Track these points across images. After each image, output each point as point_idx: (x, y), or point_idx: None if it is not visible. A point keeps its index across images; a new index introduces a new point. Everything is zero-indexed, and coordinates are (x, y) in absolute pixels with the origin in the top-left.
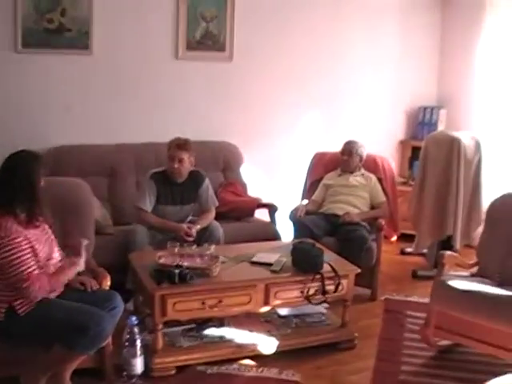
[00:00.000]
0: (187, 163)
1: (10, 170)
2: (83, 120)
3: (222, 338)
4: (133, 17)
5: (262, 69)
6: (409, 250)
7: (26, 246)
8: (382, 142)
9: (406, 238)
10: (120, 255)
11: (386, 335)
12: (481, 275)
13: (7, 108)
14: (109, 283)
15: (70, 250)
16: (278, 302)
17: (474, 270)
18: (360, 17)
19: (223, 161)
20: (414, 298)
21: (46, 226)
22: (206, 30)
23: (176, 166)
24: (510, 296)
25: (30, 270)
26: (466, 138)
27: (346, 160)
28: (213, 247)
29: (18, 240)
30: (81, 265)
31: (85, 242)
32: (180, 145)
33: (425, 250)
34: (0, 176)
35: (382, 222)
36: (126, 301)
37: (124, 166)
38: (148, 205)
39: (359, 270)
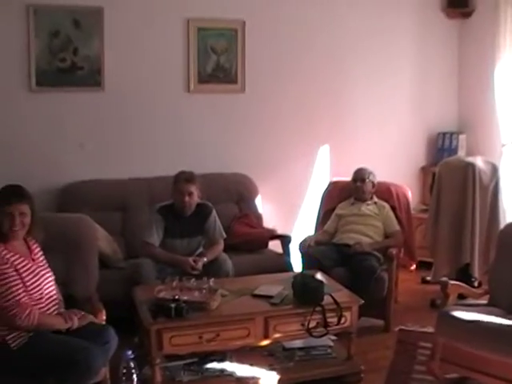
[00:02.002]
0: (195, 196)
1: None
2: (96, 155)
3: (222, 372)
4: (143, 53)
5: (274, 99)
6: (429, 278)
7: (14, 274)
8: (401, 168)
9: (427, 266)
10: (129, 289)
11: (396, 367)
12: (492, 304)
13: (22, 145)
14: (104, 317)
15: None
16: (278, 335)
17: (486, 298)
18: (376, 43)
19: (237, 192)
20: (429, 329)
21: (43, 260)
22: (216, 63)
23: (186, 199)
24: None
25: (17, 297)
26: (481, 162)
27: (359, 187)
28: (211, 281)
29: (5, 266)
30: (73, 326)
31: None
32: (188, 178)
33: (444, 279)
34: None
35: (394, 251)
36: (133, 335)
37: (136, 199)
38: (155, 239)
39: (362, 302)
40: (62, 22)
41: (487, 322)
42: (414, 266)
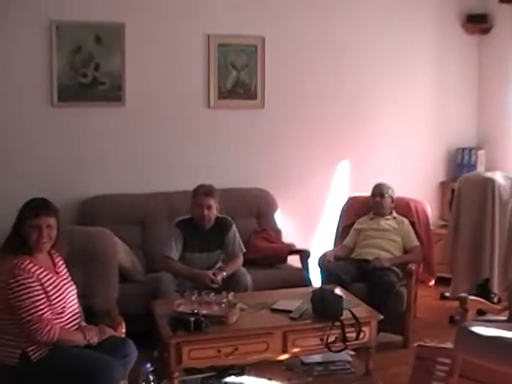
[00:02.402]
0: (214, 209)
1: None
2: (117, 170)
3: None
4: (164, 68)
5: (294, 115)
6: (448, 294)
7: (39, 288)
8: (420, 184)
9: (446, 281)
10: (148, 302)
11: (414, 383)
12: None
13: (43, 160)
14: (124, 330)
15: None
16: (296, 349)
17: (505, 314)
18: (395, 59)
19: (257, 207)
20: (448, 345)
21: (66, 274)
22: (236, 79)
23: (205, 213)
24: None
25: (40, 312)
26: (500, 178)
27: (378, 202)
28: (230, 295)
29: (31, 280)
30: (93, 342)
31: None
32: (207, 192)
33: (464, 294)
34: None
35: (413, 266)
36: (153, 348)
37: (157, 214)
38: (174, 253)
39: (381, 317)
40: (84, 38)
41: (507, 338)
42: (432, 282)
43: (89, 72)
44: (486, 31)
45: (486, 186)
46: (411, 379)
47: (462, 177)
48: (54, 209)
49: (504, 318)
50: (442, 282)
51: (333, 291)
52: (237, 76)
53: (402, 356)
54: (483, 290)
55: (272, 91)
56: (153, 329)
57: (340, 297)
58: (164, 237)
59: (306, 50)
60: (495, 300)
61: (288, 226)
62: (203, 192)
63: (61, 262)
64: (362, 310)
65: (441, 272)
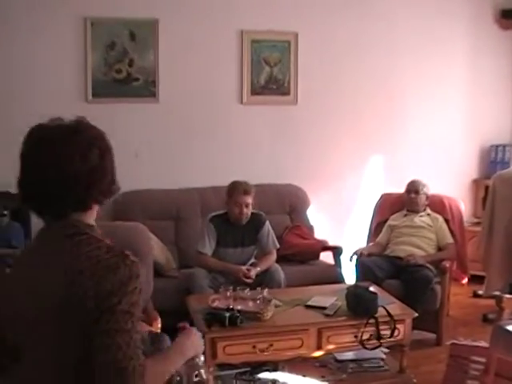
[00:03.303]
0: (251, 206)
1: None
2: (150, 165)
3: (274, 382)
4: (197, 64)
5: (327, 111)
6: (481, 292)
7: None
8: (453, 181)
9: (479, 279)
10: (183, 298)
11: (448, 382)
12: None
13: None
14: (159, 325)
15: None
16: (331, 346)
17: None
18: (429, 55)
19: (289, 204)
20: (482, 343)
21: None
22: (269, 75)
23: (244, 211)
24: None
25: None
26: None
27: (413, 198)
28: (265, 291)
29: None
30: None
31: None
32: (246, 190)
33: (497, 293)
34: None
35: (447, 264)
36: None
37: (190, 209)
38: (208, 248)
39: (416, 314)
40: (118, 34)
41: None
42: (465, 280)
43: (123, 68)
44: None
45: None
46: (445, 377)
47: (496, 174)
48: None
49: None
50: (475, 279)
51: (367, 288)
52: (270, 72)
53: (435, 354)
54: None
55: (305, 87)
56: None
57: (375, 294)
58: (197, 232)
59: (339, 46)
60: None
61: (321, 222)
62: (242, 190)
63: None
64: (396, 308)
65: (474, 270)
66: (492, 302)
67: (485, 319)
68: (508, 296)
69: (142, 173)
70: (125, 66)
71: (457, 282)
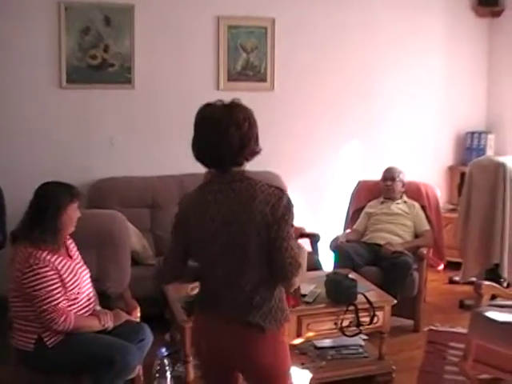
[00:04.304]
0: None
1: (35, 201)
2: (126, 152)
3: None
4: (174, 50)
5: (304, 98)
6: (457, 278)
7: (55, 277)
8: (429, 168)
9: (454, 266)
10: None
11: (427, 368)
12: None
13: (52, 142)
14: (139, 315)
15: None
16: (311, 333)
17: None
18: (405, 42)
19: None
20: (459, 329)
21: (79, 257)
22: (246, 61)
23: None
24: None
25: (56, 302)
26: None
27: (389, 185)
28: None
29: (46, 269)
30: (109, 327)
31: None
32: None
33: (473, 279)
34: (29, 207)
35: (424, 250)
36: (164, 331)
37: (166, 196)
38: None
39: (395, 301)
40: (93, 19)
41: None
42: (441, 266)
43: (98, 53)
44: (496, 14)
45: (498, 170)
46: (424, 363)
47: (473, 161)
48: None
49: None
50: (451, 266)
51: (347, 275)
52: (247, 58)
53: (413, 340)
54: (493, 275)
55: (282, 74)
56: (163, 312)
57: (354, 281)
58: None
59: (316, 32)
60: (504, 285)
61: (297, 209)
62: None
63: (73, 245)
64: (375, 295)
65: (449, 256)
66: (468, 288)
67: (461, 305)
68: (486, 283)
69: (118, 160)
70: (100, 51)
71: (433, 268)
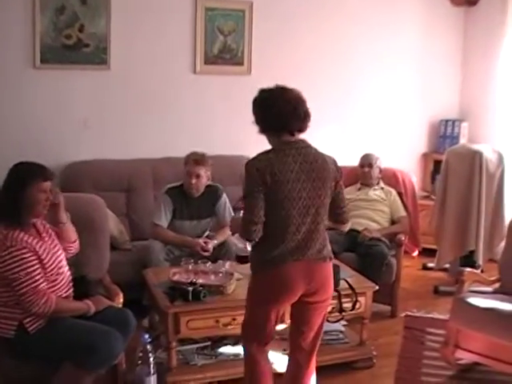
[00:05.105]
0: (204, 178)
1: (5, 180)
2: (100, 135)
3: (236, 356)
4: (150, 32)
5: (280, 82)
6: (431, 265)
7: (33, 258)
8: (403, 155)
9: (428, 252)
10: (137, 271)
11: (406, 353)
12: (502, 292)
13: (25, 123)
14: (121, 300)
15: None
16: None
17: (497, 285)
18: (381, 30)
19: (242, 175)
20: (435, 315)
21: (55, 239)
22: (223, 44)
23: (193, 181)
24: None
25: (36, 283)
26: (487, 151)
27: (367, 172)
28: (228, 264)
29: (24, 251)
30: (90, 312)
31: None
32: (197, 160)
33: (447, 265)
34: (1, 188)
35: (402, 237)
36: (142, 317)
37: (141, 180)
38: (164, 220)
39: (377, 287)
40: None
41: (503, 310)
42: (416, 253)
43: (73, 33)
44: (472, 3)
45: (474, 158)
46: (402, 349)
47: (449, 149)
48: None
49: (489, 289)
50: (424, 252)
51: None
52: (224, 41)
53: (390, 326)
54: (468, 262)
55: (259, 57)
56: (141, 297)
57: (337, 266)
58: (149, 204)
59: (293, 16)
60: (479, 271)
61: None
62: (193, 160)
63: (42, 228)
64: (357, 281)
65: (423, 243)
66: (442, 274)
67: (436, 291)
68: (468, 269)
69: (92, 142)
70: (75, 31)
71: (407, 254)
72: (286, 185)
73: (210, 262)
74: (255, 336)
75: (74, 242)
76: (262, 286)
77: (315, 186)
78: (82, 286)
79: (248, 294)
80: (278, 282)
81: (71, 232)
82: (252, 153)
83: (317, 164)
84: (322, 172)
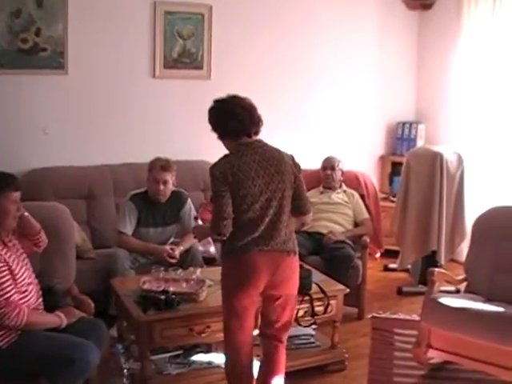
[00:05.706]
0: (171, 184)
1: None
2: (59, 141)
3: (210, 364)
4: (109, 36)
5: (240, 86)
6: (392, 266)
7: (4, 269)
8: (361, 157)
9: (389, 254)
10: (102, 280)
11: (376, 355)
12: (469, 291)
13: None
14: (93, 311)
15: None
16: None
17: (463, 285)
18: (337, 33)
19: (203, 180)
20: (401, 316)
21: (20, 248)
22: (183, 48)
23: (161, 188)
24: (499, 312)
25: (7, 295)
26: (448, 152)
27: (329, 175)
28: (198, 271)
29: None
30: (63, 325)
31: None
32: (163, 166)
33: (409, 266)
34: None
35: (367, 239)
36: (108, 327)
37: (102, 187)
38: (128, 228)
39: (348, 290)
40: (25, 1)
41: (474, 309)
42: (378, 254)
43: (29, 37)
44: (427, 7)
45: (435, 159)
46: (372, 350)
47: (410, 151)
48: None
49: (452, 288)
50: (386, 254)
51: (301, 265)
52: (183, 45)
53: (358, 328)
54: (430, 262)
55: (218, 61)
56: (107, 307)
57: (309, 270)
58: (110, 211)
59: (253, 19)
60: None
61: None
62: (160, 166)
63: (7, 238)
64: (328, 284)
65: (385, 244)
66: (404, 275)
67: (399, 292)
68: (438, 270)
69: (51, 149)
70: (31, 35)
71: (370, 256)
72: (247, 182)
73: (180, 269)
74: (237, 329)
75: (39, 232)
76: (230, 270)
77: (275, 180)
78: (50, 297)
79: (221, 281)
80: (244, 267)
81: (33, 222)
82: (213, 157)
83: (274, 160)
84: (279, 166)
